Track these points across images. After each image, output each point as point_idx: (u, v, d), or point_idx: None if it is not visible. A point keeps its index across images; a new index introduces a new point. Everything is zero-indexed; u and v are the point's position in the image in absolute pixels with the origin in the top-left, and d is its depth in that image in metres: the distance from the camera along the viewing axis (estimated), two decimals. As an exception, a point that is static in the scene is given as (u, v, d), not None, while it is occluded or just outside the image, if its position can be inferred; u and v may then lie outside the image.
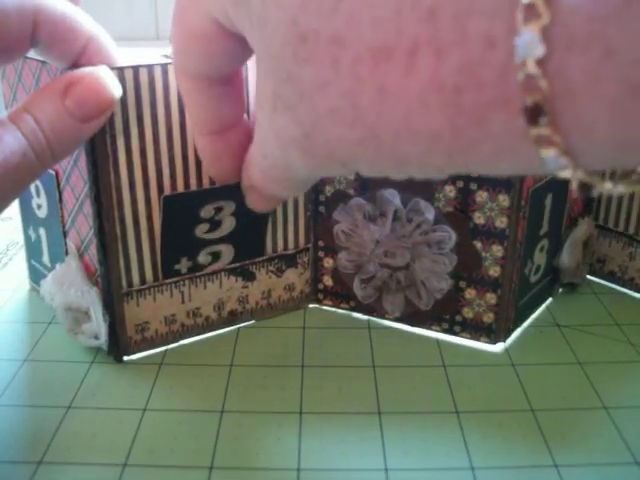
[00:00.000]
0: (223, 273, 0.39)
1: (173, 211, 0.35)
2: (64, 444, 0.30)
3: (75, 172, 0.34)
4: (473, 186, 0.36)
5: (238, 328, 0.39)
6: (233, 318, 0.40)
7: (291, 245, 0.41)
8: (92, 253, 0.35)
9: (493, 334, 0.38)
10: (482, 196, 0.36)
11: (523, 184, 0.35)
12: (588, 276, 0.45)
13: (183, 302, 0.38)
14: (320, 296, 0.43)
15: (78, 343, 0.37)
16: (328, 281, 0.42)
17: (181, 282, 0.37)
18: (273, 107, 0.22)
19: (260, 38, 0.21)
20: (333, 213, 0.40)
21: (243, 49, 0.25)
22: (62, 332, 0.38)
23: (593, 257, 0.45)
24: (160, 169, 0.35)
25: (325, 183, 0.40)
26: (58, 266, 0.37)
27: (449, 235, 0.37)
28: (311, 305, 0.43)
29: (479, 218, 0.36)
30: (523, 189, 0.35)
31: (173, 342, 0.38)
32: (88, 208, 0.34)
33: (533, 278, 0.40)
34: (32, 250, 0.42)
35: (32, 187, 0.39)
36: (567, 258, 0.42)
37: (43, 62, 0.34)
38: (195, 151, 0.35)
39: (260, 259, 0.40)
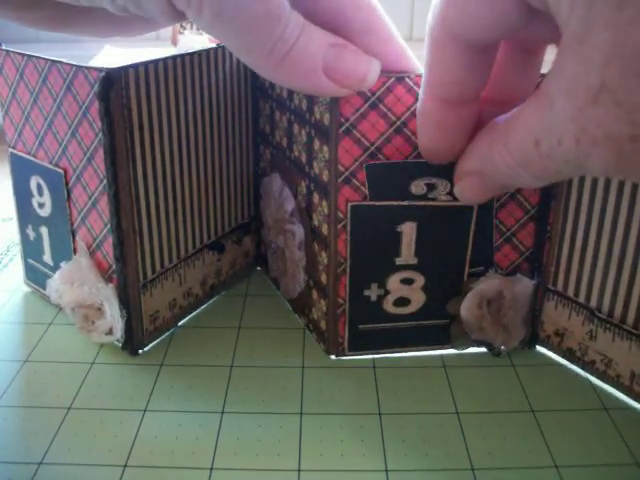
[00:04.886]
0: (205, 250, 0.40)
1: (378, 181, 0.31)
2: (64, 445, 0.30)
3: (89, 170, 0.34)
4: (312, 186, 0.35)
5: (238, 328, 0.39)
6: (212, 292, 0.42)
7: (246, 215, 0.43)
8: (105, 250, 0.35)
9: (327, 343, 0.36)
10: (316, 198, 0.34)
11: (338, 193, 0.32)
12: (544, 351, 0.37)
13: (180, 285, 0.39)
14: (260, 261, 0.45)
15: (91, 340, 0.37)
16: (263, 249, 0.44)
17: (179, 265, 0.38)
18: (592, 99, 0.19)
19: (609, 23, 0.19)
20: (260, 187, 0.42)
21: (535, 20, 0.22)
22: (62, 333, 0.38)
23: (546, 329, 0.36)
24: (172, 161, 0.35)
25: (261, 159, 0.41)
26: (64, 264, 0.37)
27: (298, 230, 0.36)
28: (258, 268, 0.46)
29: (315, 220, 0.35)
30: (339, 199, 0.32)
31: (172, 326, 0.39)
32: (103, 205, 0.34)
33: (391, 308, 0.35)
34: (30, 249, 0.42)
35: (34, 185, 0.38)
36: (464, 309, 0.35)
37: (53, 61, 0.33)
38: (204, 141, 0.36)
39: (227, 231, 0.42)
